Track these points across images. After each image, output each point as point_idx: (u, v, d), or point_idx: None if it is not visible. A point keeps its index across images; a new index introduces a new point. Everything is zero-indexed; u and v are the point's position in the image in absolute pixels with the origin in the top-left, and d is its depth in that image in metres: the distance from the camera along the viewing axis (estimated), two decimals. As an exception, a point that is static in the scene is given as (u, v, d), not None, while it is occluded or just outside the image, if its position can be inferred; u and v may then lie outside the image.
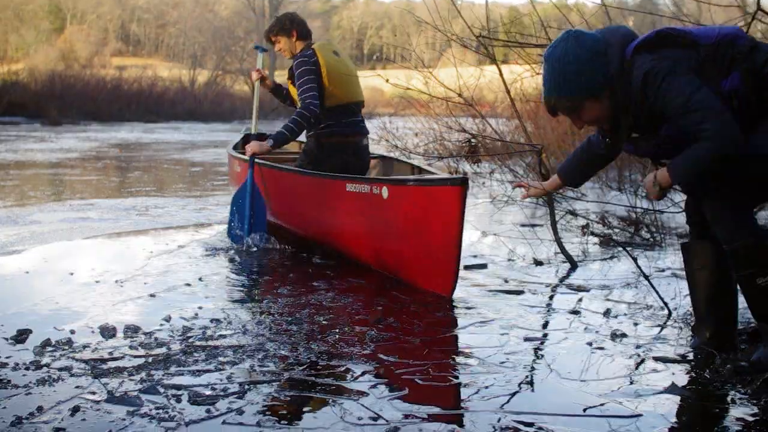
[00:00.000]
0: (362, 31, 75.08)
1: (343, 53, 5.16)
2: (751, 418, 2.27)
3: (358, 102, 5.08)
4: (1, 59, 35.34)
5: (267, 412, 2.24)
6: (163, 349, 2.78)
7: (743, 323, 3.21)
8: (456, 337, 3.08)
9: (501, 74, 5.21)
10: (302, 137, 5.34)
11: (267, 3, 44.23)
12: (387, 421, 2.19)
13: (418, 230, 3.81)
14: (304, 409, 2.29)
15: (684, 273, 4.18)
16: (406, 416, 2.23)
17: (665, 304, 3.50)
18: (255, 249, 4.88)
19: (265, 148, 4.96)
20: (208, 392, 2.37)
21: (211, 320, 3.18)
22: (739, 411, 2.33)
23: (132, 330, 2.99)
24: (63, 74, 28.20)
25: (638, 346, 2.96)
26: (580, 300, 3.69)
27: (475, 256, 4.71)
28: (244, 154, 5.38)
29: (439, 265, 3.72)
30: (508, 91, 5.34)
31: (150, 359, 2.67)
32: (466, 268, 4.32)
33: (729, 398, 2.44)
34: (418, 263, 3.88)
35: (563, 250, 4.58)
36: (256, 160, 5.24)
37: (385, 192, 3.99)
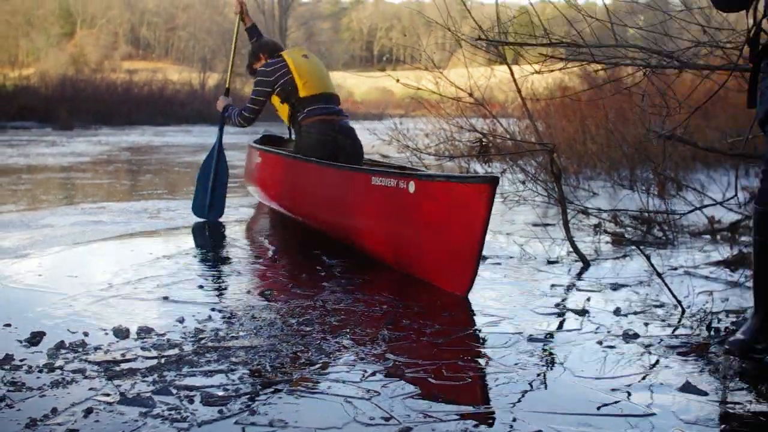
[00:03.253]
0: (372, 33, 75.08)
1: (312, 56, 5.77)
2: (766, 418, 2.26)
3: (332, 94, 5.58)
4: (11, 64, 35.56)
5: (279, 413, 2.24)
6: (176, 351, 2.79)
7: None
8: (468, 337, 3.08)
9: (512, 73, 5.20)
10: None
11: (277, 5, 44.30)
12: (399, 421, 2.19)
13: (442, 227, 3.78)
14: (317, 409, 2.29)
15: (696, 271, 4.18)
16: (419, 416, 2.23)
17: (678, 302, 3.48)
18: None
19: (221, 105, 6.02)
20: (220, 393, 2.37)
21: (224, 321, 3.19)
22: (755, 409, 2.32)
23: (145, 332, 3.00)
24: (73, 78, 28.30)
25: (651, 345, 2.95)
26: (593, 299, 3.67)
27: (486, 259, 4.69)
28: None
29: (459, 264, 3.70)
30: (519, 91, 5.32)
31: (163, 360, 2.67)
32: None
33: (744, 397, 2.43)
34: (438, 261, 3.85)
35: (575, 249, 4.56)
36: (277, 151, 5.76)
37: (411, 186, 3.96)
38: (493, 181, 3.57)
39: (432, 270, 3.92)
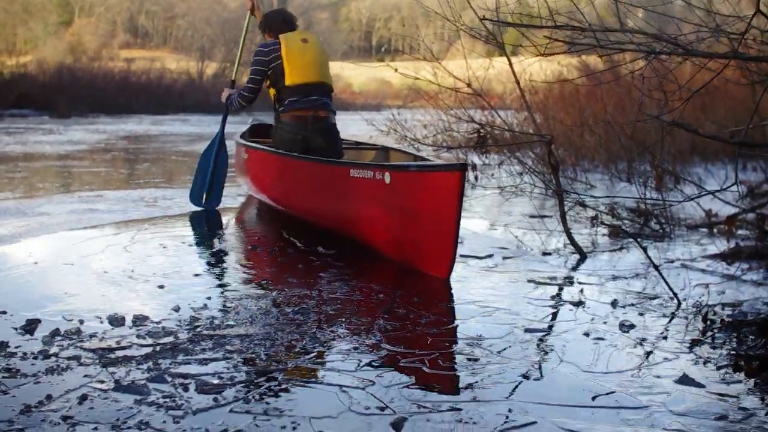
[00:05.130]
0: (371, 23, 74.88)
1: (313, 41, 5.60)
2: (763, 410, 2.26)
3: (320, 83, 5.44)
4: (9, 52, 35.41)
5: (274, 401, 2.24)
6: (171, 338, 2.78)
7: (753, 313, 3.20)
8: (464, 327, 3.07)
9: (510, 64, 5.19)
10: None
11: (275, -5, 44.13)
12: (394, 410, 2.19)
13: (418, 214, 3.93)
14: (312, 398, 2.28)
15: (693, 264, 4.18)
16: (414, 405, 2.23)
17: (675, 294, 3.48)
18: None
19: (224, 96, 6.00)
20: (215, 381, 2.37)
21: (219, 310, 3.19)
22: (750, 402, 2.32)
23: (140, 319, 2.99)
24: (71, 67, 28.22)
25: (647, 337, 2.95)
26: (589, 290, 3.67)
27: (487, 256, 4.69)
28: (251, 142, 6.07)
29: (438, 248, 3.83)
30: (518, 82, 5.31)
31: (158, 348, 2.67)
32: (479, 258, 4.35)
33: (741, 389, 2.43)
34: (418, 246, 3.99)
35: (572, 241, 4.56)
36: (262, 147, 5.75)
37: (387, 177, 4.10)
38: (462, 168, 3.72)
39: (414, 255, 4.05)
